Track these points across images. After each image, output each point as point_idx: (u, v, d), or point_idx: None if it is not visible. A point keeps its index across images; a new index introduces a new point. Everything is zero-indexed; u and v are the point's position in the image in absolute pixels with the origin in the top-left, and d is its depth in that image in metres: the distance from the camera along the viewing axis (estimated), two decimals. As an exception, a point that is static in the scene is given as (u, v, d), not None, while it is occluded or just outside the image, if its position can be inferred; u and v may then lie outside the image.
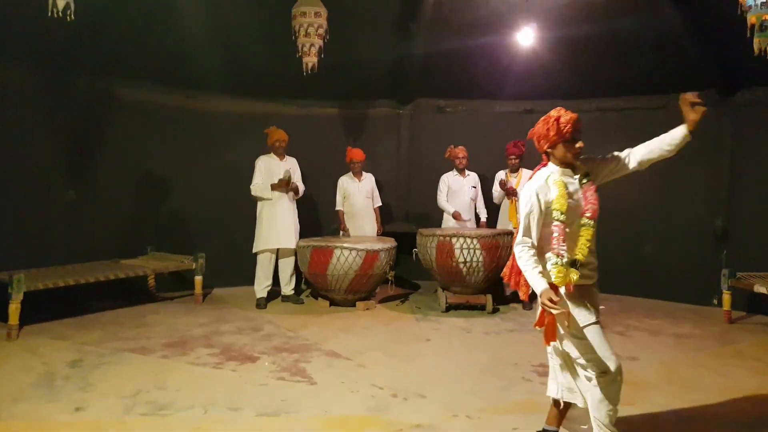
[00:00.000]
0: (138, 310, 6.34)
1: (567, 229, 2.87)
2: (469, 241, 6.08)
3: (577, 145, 2.93)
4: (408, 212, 8.35)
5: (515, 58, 7.22)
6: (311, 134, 7.91)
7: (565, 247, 2.85)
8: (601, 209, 8.16)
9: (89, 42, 6.21)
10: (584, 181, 2.99)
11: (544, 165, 3.06)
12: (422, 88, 8.04)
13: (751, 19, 4.31)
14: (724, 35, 6.24)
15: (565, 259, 2.84)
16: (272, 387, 4.07)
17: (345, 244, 6.17)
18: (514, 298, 6.90)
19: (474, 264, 6.12)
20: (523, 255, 2.89)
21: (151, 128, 7.19)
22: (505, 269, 3.21)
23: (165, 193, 7.37)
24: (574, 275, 2.83)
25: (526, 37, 6.29)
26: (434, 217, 8.04)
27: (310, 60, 5.74)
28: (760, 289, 5.73)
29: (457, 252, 6.11)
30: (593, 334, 2.84)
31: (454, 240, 6.13)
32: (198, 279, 6.72)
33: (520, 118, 8.13)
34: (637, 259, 7.40)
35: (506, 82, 7.68)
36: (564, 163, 2.99)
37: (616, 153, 3.03)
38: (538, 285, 2.80)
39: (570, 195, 2.91)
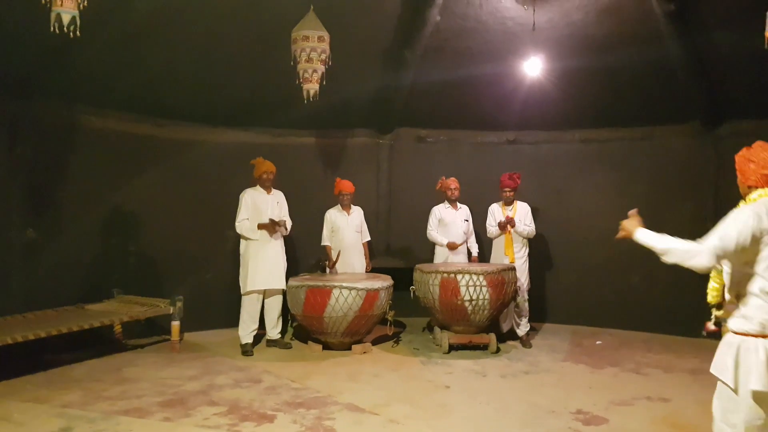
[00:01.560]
0: (111, 362, 5.66)
1: None
2: (475, 278, 5.80)
3: None
4: (389, 246, 8.00)
5: (502, 89, 7.12)
6: (286, 165, 7.37)
7: None
8: (588, 240, 7.94)
9: (52, 68, 5.63)
10: None
11: None
12: (404, 117, 7.78)
13: (778, 52, 4.29)
14: (711, 68, 6.38)
15: None
16: (308, 453, 3.62)
17: (344, 283, 5.76)
18: (511, 335, 6.68)
19: (480, 302, 5.84)
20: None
21: (119, 160, 6.57)
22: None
23: (132, 230, 6.73)
24: None
25: (533, 67, 6.16)
26: (417, 251, 7.74)
27: (312, 87, 5.41)
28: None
29: (462, 289, 5.81)
30: None
31: (459, 277, 5.83)
32: (175, 324, 6.12)
33: (503, 149, 8.07)
34: (625, 290, 7.37)
35: (490, 112, 7.55)
36: None
37: None
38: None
39: None
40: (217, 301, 7.12)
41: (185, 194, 7.04)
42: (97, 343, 6.00)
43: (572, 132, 7.77)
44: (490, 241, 6.89)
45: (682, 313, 6.96)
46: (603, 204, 7.56)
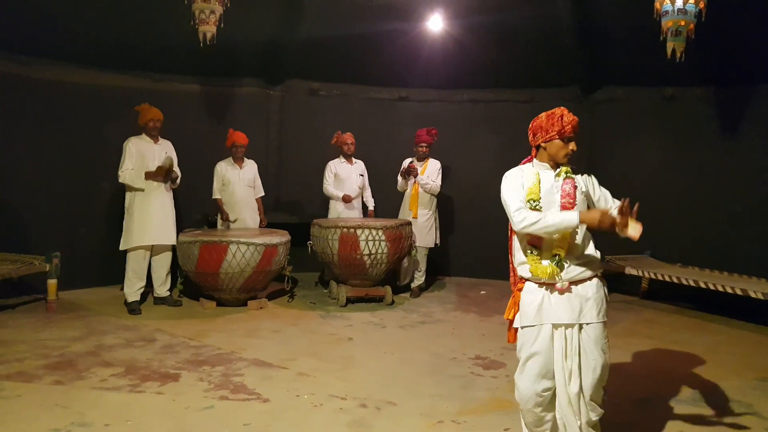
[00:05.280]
0: (-24, 326, 5.11)
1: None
2: (374, 232, 5.86)
3: (570, 147, 2.77)
4: (278, 201, 7.83)
5: (398, 45, 7.11)
6: (167, 113, 6.86)
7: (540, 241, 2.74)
8: (471, 198, 7.98)
9: None
10: (564, 175, 2.79)
11: (529, 160, 2.91)
12: (296, 68, 7.55)
13: (667, 23, 4.65)
14: (595, 36, 6.78)
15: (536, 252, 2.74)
16: (221, 410, 3.51)
17: (242, 239, 5.57)
18: (404, 288, 6.85)
19: (379, 256, 5.93)
20: (529, 215, 2.65)
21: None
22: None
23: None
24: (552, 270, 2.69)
25: (435, 24, 6.18)
26: (308, 206, 7.68)
27: (209, 29, 5.09)
28: (631, 270, 6.38)
29: (362, 244, 5.86)
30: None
31: (359, 231, 5.86)
32: (52, 283, 5.61)
33: (394, 105, 8.10)
34: (503, 244, 7.75)
35: (384, 68, 7.54)
36: (552, 162, 2.82)
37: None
38: (570, 217, 2.60)
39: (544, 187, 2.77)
40: (92, 258, 6.65)
41: (55, 141, 6.42)
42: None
43: (461, 92, 7.97)
44: (399, 196, 6.96)
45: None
46: (487, 165, 7.87)
